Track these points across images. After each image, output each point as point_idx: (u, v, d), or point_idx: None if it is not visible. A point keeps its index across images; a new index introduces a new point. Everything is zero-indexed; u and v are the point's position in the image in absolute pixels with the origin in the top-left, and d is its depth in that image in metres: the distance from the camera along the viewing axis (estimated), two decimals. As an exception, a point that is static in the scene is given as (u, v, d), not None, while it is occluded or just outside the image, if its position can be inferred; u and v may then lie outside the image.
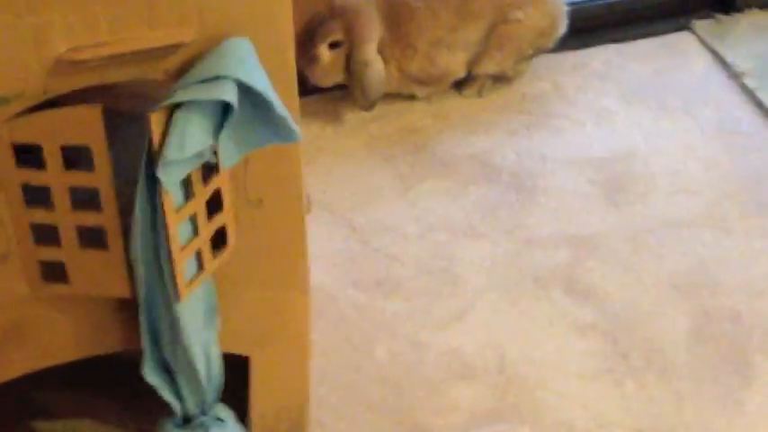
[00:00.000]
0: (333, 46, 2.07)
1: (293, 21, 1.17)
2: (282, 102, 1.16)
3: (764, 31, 2.38)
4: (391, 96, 2.18)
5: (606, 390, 1.62)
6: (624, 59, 2.32)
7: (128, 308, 1.27)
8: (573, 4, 2.35)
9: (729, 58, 2.29)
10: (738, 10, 2.44)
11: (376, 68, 2.07)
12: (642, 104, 2.20)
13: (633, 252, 1.86)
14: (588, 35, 2.38)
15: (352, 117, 2.17)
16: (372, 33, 2.07)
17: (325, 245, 1.89)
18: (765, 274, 1.81)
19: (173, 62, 1.12)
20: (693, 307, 1.75)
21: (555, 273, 1.83)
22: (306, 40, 2.07)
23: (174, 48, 1.11)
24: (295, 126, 1.16)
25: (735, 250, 1.86)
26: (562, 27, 2.28)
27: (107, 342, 1.32)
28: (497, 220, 1.94)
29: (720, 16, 2.43)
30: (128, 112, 1.19)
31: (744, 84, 2.23)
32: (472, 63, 2.21)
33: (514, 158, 2.08)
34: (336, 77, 2.11)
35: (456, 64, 2.20)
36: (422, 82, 2.19)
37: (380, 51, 2.10)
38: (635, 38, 2.39)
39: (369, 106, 2.10)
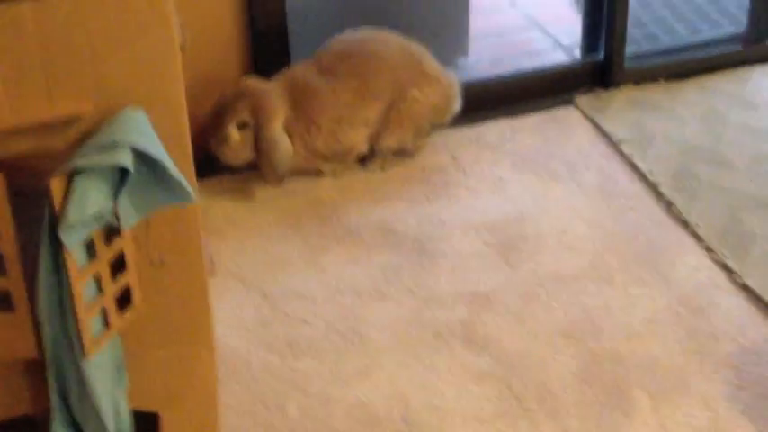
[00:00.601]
0: (241, 127, 2.13)
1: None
2: (177, 166, 1.20)
3: (638, 104, 2.51)
4: (299, 173, 2.23)
5: (502, 431, 1.66)
6: (515, 132, 2.42)
7: (37, 369, 1.28)
8: (468, 82, 2.44)
9: (608, 128, 2.40)
10: (616, 86, 2.56)
11: (283, 145, 2.14)
12: (531, 173, 2.28)
13: (525, 305, 1.92)
14: (483, 111, 2.48)
15: (263, 193, 2.22)
16: (278, 112, 2.14)
17: (238, 312, 1.92)
18: (642, 318, 1.88)
19: (72, 133, 1.16)
20: (579, 351, 1.81)
21: (454, 327, 1.88)
22: (215, 122, 2.13)
23: (73, 119, 1.15)
24: (189, 188, 1.20)
25: (615, 299, 1.93)
26: (457, 104, 2.37)
27: (18, 405, 1.32)
28: (400, 281, 1.99)
29: (600, 91, 2.55)
30: (31, 184, 1.22)
31: (621, 151, 2.33)
32: (374, 139, 2.28)
33: (415, 225, 2.14)
34: (246, 156, 2.17)
35: (358, 140, 2.27)
36: (327, 158, 2.25)
37: (287, 130, 2.16)
38: (524, 112, 2.49)
39: (278, 181, 2.16)
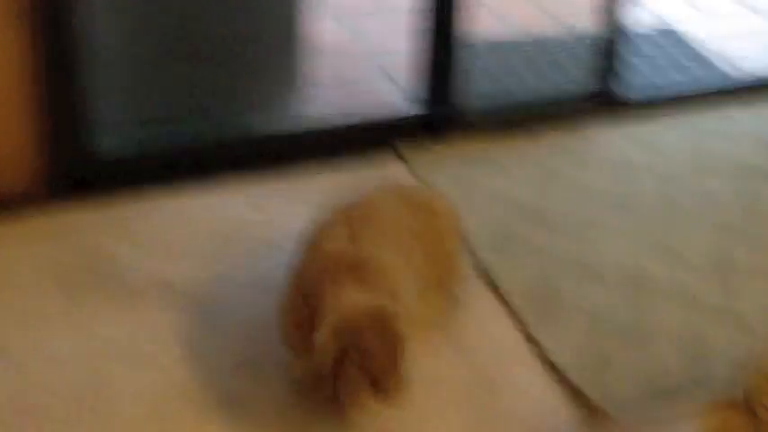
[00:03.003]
0: None
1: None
2: None
3: (469, 159, 2.41)
4: (72, 216, 2.07)
5: None
6: (335, 186, 2.29)
7: None
8: (289, 131, 2.33)
9: (431, 183, 2.29)
10: (447, 139, 2.46)
11: None
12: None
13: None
14: (304, 162, 2.36)
15: (29, 238, 2.04)
16: None
17: (-29, 374, 1.75)
18: (429, 394, 1.74)
19: None
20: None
21: (221, 398, 1.73)
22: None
23: None
24: None
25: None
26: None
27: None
28: (167, 346, 1.84)
29: (430, 144, 2.45)
30: None
31: (441, 208, 2.21)
32: None
33: (204, 284, 2.00)
34: None
35: None
36: None
37: None
38: (349, 165, 2.38)
39: None
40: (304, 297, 1.62)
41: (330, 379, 1.54)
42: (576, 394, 1.77)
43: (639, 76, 2.80)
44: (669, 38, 3.07)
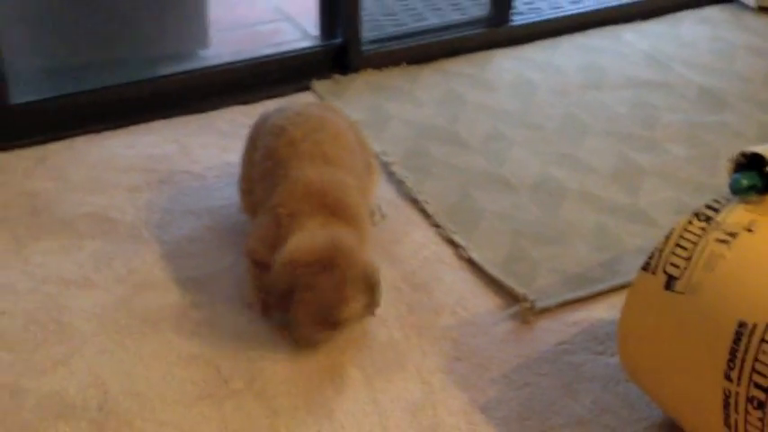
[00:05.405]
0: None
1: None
2: None
3: (377, 88, 2.61)
4: (11, 160, 2.21)
5: (205, 413, 1.68)
6: (248, 118, 2.47)
7: None
8: (202, 69, 2.48)
9: (342, 109, 2.48)
10: (354, 70, 2.66)
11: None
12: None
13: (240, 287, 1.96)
14: (216, 98, 2.52)
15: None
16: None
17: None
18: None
19: None
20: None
21: (164, 312, 1.89)
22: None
23: None
24: None
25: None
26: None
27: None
28: (111, 269, 2.00)
29: (338, 77, 2.64)
30: None
31: (356, 133, 2.42)
32: None
33: (133, 213, 2.15)
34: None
35: None
36: None
37: None
38: (260, 99, 2.55)
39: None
40: (275, 216, 1.80)
41: (275, 308, 1.77)
42: (497, 287, 2.00)
43: None
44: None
